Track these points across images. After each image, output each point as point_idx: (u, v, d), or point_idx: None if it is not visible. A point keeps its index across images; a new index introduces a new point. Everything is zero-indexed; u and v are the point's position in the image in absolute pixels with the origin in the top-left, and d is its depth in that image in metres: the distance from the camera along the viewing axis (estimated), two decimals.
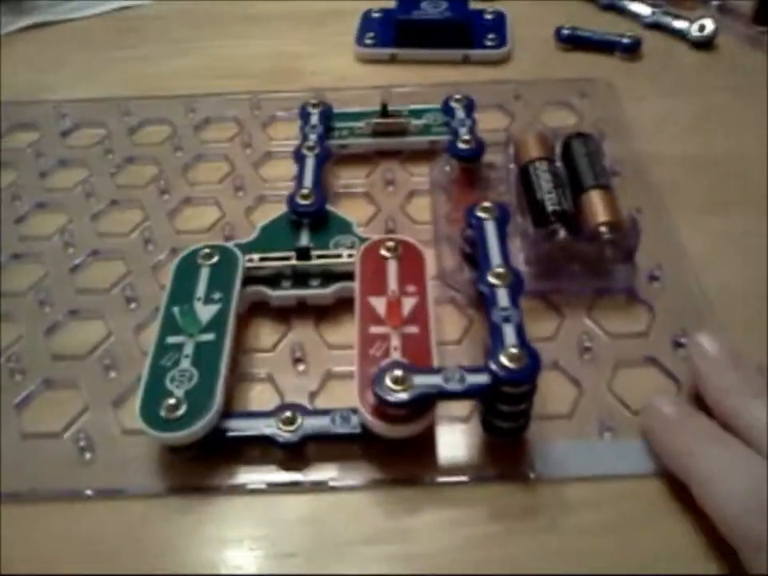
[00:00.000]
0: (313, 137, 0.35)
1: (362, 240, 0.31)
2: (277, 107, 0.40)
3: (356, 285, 0.28)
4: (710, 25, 0.44)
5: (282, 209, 0.33)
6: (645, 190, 0.34)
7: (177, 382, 0.25)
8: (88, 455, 0.26)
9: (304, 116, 0.37)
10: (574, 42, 0.45)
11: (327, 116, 0.37)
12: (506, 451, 0.25)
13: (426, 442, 0.25)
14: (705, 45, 0.44)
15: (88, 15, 0.50)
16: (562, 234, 0.29)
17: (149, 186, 0.36)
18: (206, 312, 0.27)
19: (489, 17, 0.47)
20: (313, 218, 0.31)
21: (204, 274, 0.29)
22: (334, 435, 0.25)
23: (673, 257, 0.31)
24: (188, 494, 0.25)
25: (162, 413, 0.24)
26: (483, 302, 0.26)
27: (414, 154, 0.37)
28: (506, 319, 0.24)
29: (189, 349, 0.26)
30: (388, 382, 0.23)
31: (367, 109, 0.38)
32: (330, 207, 0.32)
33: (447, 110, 0.37)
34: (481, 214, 0.28)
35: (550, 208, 0.29)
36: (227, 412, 0.25)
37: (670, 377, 0.27)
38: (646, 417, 0.25)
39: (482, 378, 0.23)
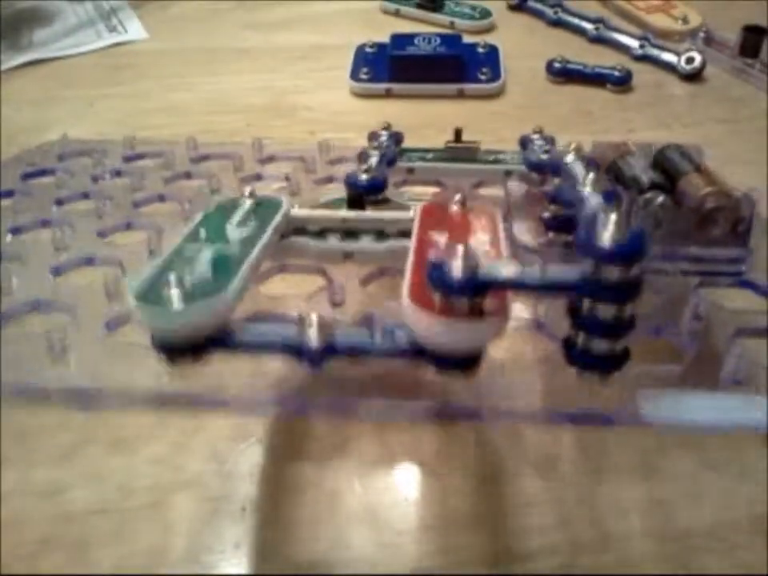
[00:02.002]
0: (380, 141, 0.32)
1: None
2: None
3: (414, 226, 0.23)
4: (697, 57, 0.44)
5: None
6: None
7: (188, 274, 0.20)
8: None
9: (373, 138, 0.33)
10: (565, 74, 0.45)
11: (397, 140, 0.34)
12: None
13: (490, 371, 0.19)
14: (693, 77, 0.44)
15: (83, 52, 0.51)
16: (661, 199, 0.25)
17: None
18: (237, 232, 0.23)
19: (482, 51, 0.47)
20: (373, 194, 0.28)
21: (243, 208, 0.24)
22: (374, 352, 0.19)
23: None
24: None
25: (163, 291, 0.18)
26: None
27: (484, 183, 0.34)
28: (601, 209, 0.18)
29: (208, 253, 0.21)
30: (451, 262, 0.17)
31: (435, 146, 0.35)
32: (390, 196, 0.29)
33: (525, 142, 0.33)
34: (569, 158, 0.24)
35: (645, 180, 0.25)
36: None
37: None
38: None
39: (572, 272, 0.17)
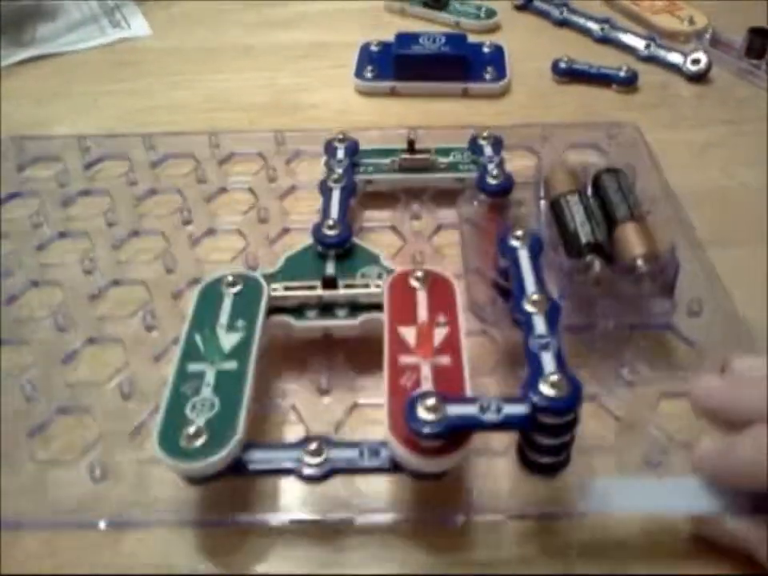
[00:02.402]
0: (339, 170, 0.35)
1: (389, 271, 0.30)
2: (300, 143, 0.40)
3: (384, 315, 0.27)
4: (703, 59, 0.45)
5: (305, 240, 0.32)
6: (673, 226, 0.33)
7: (197, 410, 0.24)
8: (102, 485, 0.25)
9: (330, 150, 0.36)
10: (570, 75, 0.45)
11: (353, 151, 0.36)
12: (543, 488, 0.24)
13: (458, 479, 0.24)
14: (699, 78, 0.45)
15: (86, 48, 0.50)
16: (598, 266, 0.28)
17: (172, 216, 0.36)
18: (228, 340, 0.26)
19: (487, 50, 0.47)
20: (339, 248, 0.31)
21: (227, 302, 0.28)
22: (362, 469, 0.23)
23: (712, 290, 0.30)
24: (207, 529, 0.24)
25: (182, 442, 0.23)
26: (520, 331, 0.25)
27: (440, 192, 0.36)
28: (544, 347, 0.23)
29: (210, 377, 0.25)
30: (421, 411, 0.22)
31: (393, 146, 0.38)
32: (355, 240, 0.32)
33: (475, 148, 0.36)
34: (514, 243, 0.27)
35: (584, 239, 0.29)
36: (249, 443, 0.24)
37: None
38: (694, 454, 0.23)
39: (521, 408, 0.22)
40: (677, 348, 0.28)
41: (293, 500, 0.24)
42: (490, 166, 0.34)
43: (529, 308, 0.24)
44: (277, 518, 0.24)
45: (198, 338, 0.26)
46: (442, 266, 0.31)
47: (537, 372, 0.22)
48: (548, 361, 0.22)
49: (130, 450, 0.26)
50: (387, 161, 0.37)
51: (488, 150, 0.36)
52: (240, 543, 0.24)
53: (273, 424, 0.26)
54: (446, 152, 0.37)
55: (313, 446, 0.23)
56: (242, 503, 0.24)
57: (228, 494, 0.24)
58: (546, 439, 0.22)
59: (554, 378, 0.22)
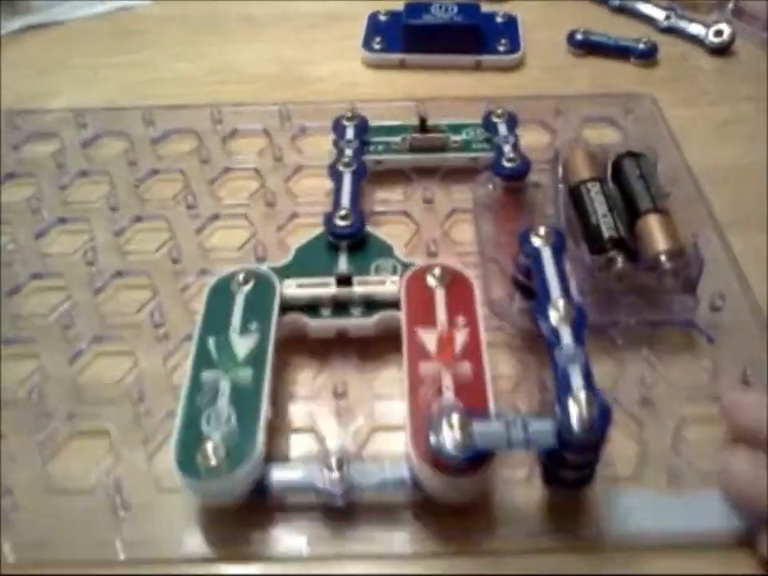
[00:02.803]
0: (348, 152, 0.33)
1: (404, 265, 0.29)
2: (306, 118, 0.39)
3: (402, 316, 0.26)
4: (726, 30, 0.43)
5: (315, 225, 0.31)
6: (694, 209, 0.32)
7: (213, 423, 0.23)
8: (122, 513, 0.24)
9: (338, 130, 0.35)
10: (587, 46, 0.43)
11: (362, 130, 0.35)
12: (569, 508, 0.24)
13: (481, 500, 0.23)
14: (722, 51, 0.43)
15: (86, 16, 0.48)
16: (621, 262, 0.27)
17: (175, 200, 0.34)
18: (242, 344, 0.25)
19: (500, 20, 0.45)
20: (352, 240, 0.30)
21: (239, 302, 0.27)
22: (383, 484, 0.23)
23: (734, 284, 0.29)
24: (226, 561, 0.23)
25: (199, 459, 0.22)
26: (543, 339, 0.24)
27: (453, 171, 0.35)
28: (571, 360, 0.22)
29: (225, 386, 0.24)
30: (445, 431, 0.21)
31: (404, 122, 0.36)
32: (368, 228, 0.31)
33: (488, 125, 0.35)
34: (536, 241, 0.26)
35: (606, 234, 0.28)
36: (267, 459, 0.23)
37: None
38: (723, 477, 0.23)
39: (548, 427, 0.21)
40: (699, 346, 0.28)
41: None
42: (506, 148, 0.33)
43: (554, 317, 0.23)
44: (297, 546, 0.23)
45: (210, 343, 0.25)
46: (456, 256, 0.31)
47: (564, 388, 0.22)
48: (575, 376, 0.22)
49: (144, 467, 0.25)
50: (398, 139, 0.35)
51: (502, 129, 0.34)
52: None
53: (288, 431, 0.26)
54: (458, 129, 0.36)
55: (333, 460, 0.23)
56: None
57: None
58: (571, 456, 0.22)
59: (583, 397, 0.21)
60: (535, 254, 0.26)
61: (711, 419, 0.25)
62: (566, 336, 0.23)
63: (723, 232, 0.31)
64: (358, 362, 0.28)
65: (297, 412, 0.27)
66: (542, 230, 0.26)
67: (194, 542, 0.23)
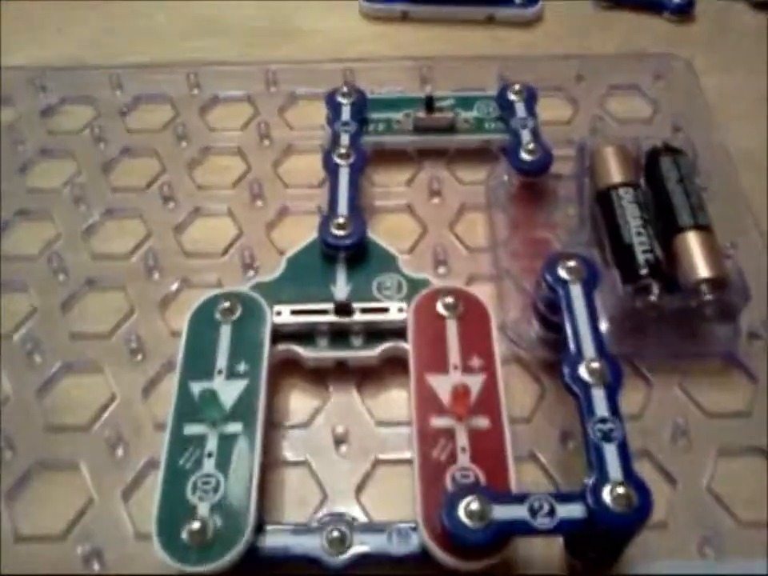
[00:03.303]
0: (345, 138, 0.29)
1: (410, 281, 0.26)
2: (295, 83, 0.34)
3: (410, 355, 0.23)
4: None
5: (308, 223, 0.28)
6: (734, 211, 0.29)
7: (200, 492, 0.20)
8: (96, 566, 0.22)
9: (333, 106, 0.31)
10: None
11: (360, 107, 0.31)
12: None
13: (499, 567, 0.21)
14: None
15: None
16: (656, 290, 0.24)
17: (149, 189, 0.30)
18: (229, 391, 0.22)
19: None
20: (350, 251, 0.27)
21: (225, 335, 0.24)
22: (391, 557, 0.21)
23: None
24: None
25: (185, 537, 0.20)
26: (573, 398, 0.21)
27: (463, 152, 0.31)
28: (607, 436, 0.20)
29: (212, 444, 0.21)
30: (462, 515, 0.19)
31: (407, 95, 0.32)
32: (369, 234, 0.27)
33: (503, 103, 0.31)
34: (564, 275, 0.23)
35: (641, 258, 0.24)
36: (260, 521, 0.21)
37: None
38: None
39: (577, 512, 0.19)
40: (737, 381, 0.25)
41: None
42: (524, 135, 0.29)
43: (586, 377, 0.21)
44: None
45: (193, 391, 0.22)
46: (468, 265, 0.28)
47: (599, 472, 0.19)
48: (612, 459, 0.19)
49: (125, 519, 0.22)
50: (400, 115, 0.31)
51: (520, 110, 0.30)
52: None
53: (281, 465, 0.23)
54: (469, 103, 0.31)
55: (335, 533, 0.21)
56: None
57: None
58: (600, 542, 0.20)
59: (621, 489, 0.18)
60: (564, 291, 0.23)
61: (749, 467, 0.23)
62: (600, 404, 0.20)
63: (766, 238, 0.28)
64: (358, 385, 0.25)
65: (289, 444, 0.24)
66: (571, 264, 0.23)
67: None
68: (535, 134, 0.29)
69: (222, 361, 0.23)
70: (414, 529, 0.20)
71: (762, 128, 0.32)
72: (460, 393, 0.22)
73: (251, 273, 0.27)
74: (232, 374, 0.23)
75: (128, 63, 0.35)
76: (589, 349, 0.21)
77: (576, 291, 0.22)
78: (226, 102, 0.33)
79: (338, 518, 0.21)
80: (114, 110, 0.33)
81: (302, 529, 0.21)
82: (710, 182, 0.29)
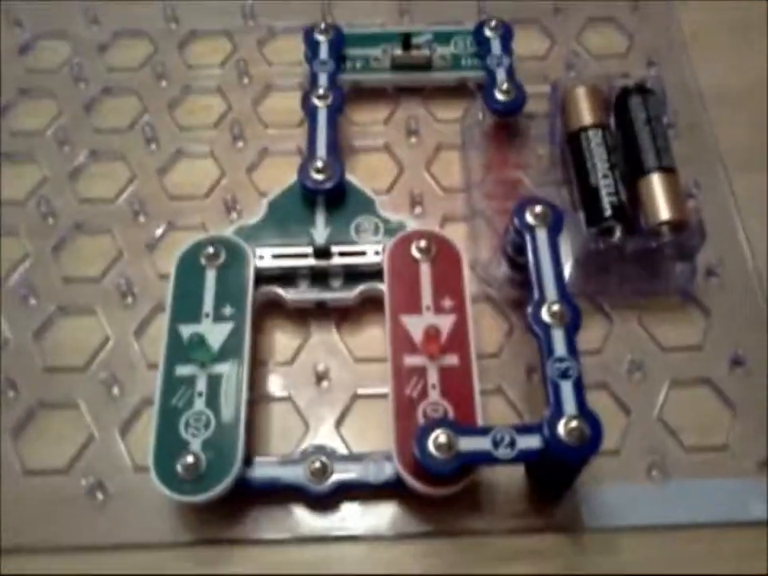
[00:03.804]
0: (323, 78, 0.30)
1: (386, 223, 0.27)
2: (273, 17, 0.34)
3: (385, 296, 0.25)
4: None
5: (290, 165, 0.28)
6: (701, 149, 0.30)
7: (192, 428, 0.22)
8: (100, 496, 0.24)
9: (311, 44, 0.31)
10: None
11: (338, 43, 0.31)
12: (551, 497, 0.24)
13: (466, 491, 0.23)
14: None
15: None
16: (619, 233, 0.25)
17: (132, 131, 0.31)
18: (217, 333, 0.24)
19: None
20: (329, 195, 0.28)
21: (210, 280, 0.25)
22: (369, 485, 0.23)
23: (734, 249, 0.28)
24: (209, 546, 0.23)
25: (179, 470, 0.22)
26: (530, 330, 0.23)
27: (440, 89, 0.31)
28: (564, 374, 0.21)
29: (202, 384, 0.23)
30: (431, 447, 0.21)
31: (385, 30, 0.32)
32: (347, 176, 0.28)
33: (480, 38, 0.31)
34: (531, 220, 0.24)
35: (606, 201, 0.25)
36: (249, 454, 0.23)
37: (725, 401, 0.25)
38: None
39: (535, 443, 0.21)
40: (692, 317, 0.26)
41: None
42: (499, 74, 0.30)
43: (548, 319, 0.22)
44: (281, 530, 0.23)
45: (182, 333, 0.24)
46: (443, 206, 0.29)
47: (555, 407, 0.21)
48: (568, 395, 0.21)
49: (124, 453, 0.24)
50: (378, 52, 0.31)
51: (496, 47, 0.30)
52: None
53: (266, 401, 0.25)
54: (446, 38, 0.32)
55: (317, 464, 0.23)
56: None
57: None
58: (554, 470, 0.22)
59: (574, 423, 0.20)
60: (531, 235, 0.24)
61: (698, 398, 0.25)
62: (559, 344, 0.22)
63: (730, 177, 0.29)
64: (338, 324, 0.26)
65: (274, 380, 0.26)
66: (538, 209, 0.24)
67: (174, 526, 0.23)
68: (510, 74, 0.30)
69: (208, 304, 0.25)
70: (389, 459, 0.23)
71: (737, 62, 0.33)
72: (431, 334, 0.23)
73: (234, 215, 0.28)
74: (218, 317, 0.24)
75: None
76: (551, 292, 0.23)
77: (541, 236, 0.24)
78: (204, 37, 0.33)
79: (320, 449, 0.23)
80: (92, 47, 0.33)
81: (287, 460, 0.23)
82: (679, 120, 0.30)
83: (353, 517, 0.23)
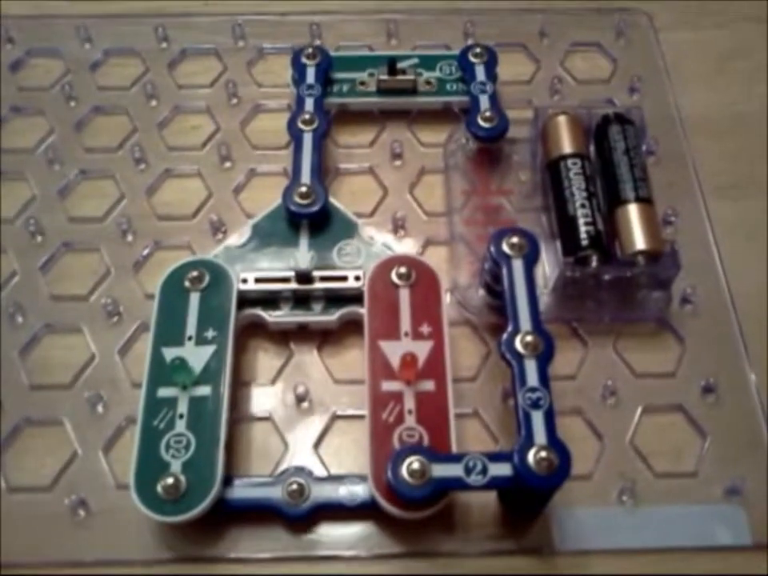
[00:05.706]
0: (309, 102, 0.30)
1: (369, 246, 0.27)
2: (263, 37, 0.34)
3: (365, 321, 0.25)
4: None
5: (276, 186, 0.29)
6: (680, 176, 0.30)
7: (173, 450, 0.23)
8: (82, 513, 0.24)
9: (298, 68, 0.31)
10: None
11: (325, 68, 0.31)
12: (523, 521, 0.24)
13: (440, 513, 0.23)
14: None
15: None
16: (595, 262, 0.26)
17: (122, 150, 0.31)
18: (199, 356, 0.24)
19: None
20: (313, 219, 0.28)
21: (194, 303, 0.25)
22: (344, 506, 0.23)
23: (709, 277, 0.28)
24: (189, 564, 0.24)
25: (159, 491, 0.22)
26: (503, 358, 0.23)
27: (425, 113, 0.32)
28: (535, 404, 0.22)
29: (183, 406, 0.24)
30: (404, 474, 0.21)
31: (372, 53, 0.33)
32: (332, 201, 0.29)
33: (465, 64, 0.31)
34: (507, 250, 0.24)
35: (583, 230, 0.26)
36: (229, 473, 0.24)
37: (696, 428, 0.25)
38: None
39: (506, 470, 0.21)
40: (667, 344, 0.27)
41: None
42: (483, 100, 0.30)
43: (520, 348, 0.23)
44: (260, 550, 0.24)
45: (165, 356, 0.25)
46: (425, 230, 0.29)
47: (526, 437, 0.21)
48: (538, 425, 0.22)
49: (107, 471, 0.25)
50: (364, 75, 0.32)
51: (480, 73, 0.31)
52: None
53: (246, 420, 0.26)
54: (432, 62, 0.32)
55: (294, 486, 0.23)
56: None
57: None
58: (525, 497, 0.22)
59: (543, 453, 0.21)
60: (507, 264, 0.24)
61: (670, 425, 0.26)
62: (531, 375, 0.22)
63: (708, 205, 0.30)
64: (318, 346, 0.27)
65: (255, 400, 0.26)
66: (514, 240, 0.24)
67: (155, 544, 0.24)
68: (493, 100, 0.30)
69: (191, 327, 0.25)
70: (365, 481, 0.23)
71: (718, 90, 0.33)
72: (408, 361, 0.24)
73: (219, 236, 0.29)
74: (201, 340, 0.25)
75: (93, 14, 0.35)
76: (525, 322, 0.23)
77: (518, 266, 0.24)
78: (194, 56, 0.34)
79: (299, 470, 0.24)
80: (83, 65, 0.34)
81: (265, 481, 0.24)
82: (659, 146, 0.31)
83: (330, 536, 0.24)
